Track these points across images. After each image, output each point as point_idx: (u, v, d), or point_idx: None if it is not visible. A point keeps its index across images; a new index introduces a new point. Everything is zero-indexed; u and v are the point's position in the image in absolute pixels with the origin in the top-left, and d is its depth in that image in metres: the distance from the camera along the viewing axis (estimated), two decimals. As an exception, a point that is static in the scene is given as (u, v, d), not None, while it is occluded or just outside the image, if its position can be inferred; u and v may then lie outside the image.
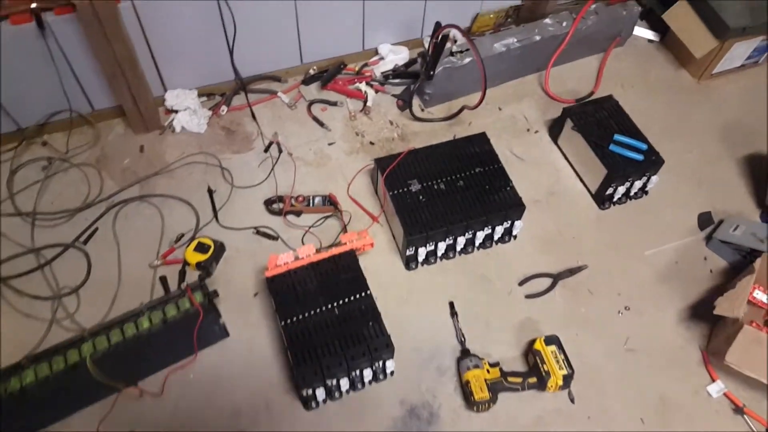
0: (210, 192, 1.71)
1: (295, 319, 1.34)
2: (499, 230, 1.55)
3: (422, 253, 1.52)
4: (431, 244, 1.51)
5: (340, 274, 1.41)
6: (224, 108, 1.89)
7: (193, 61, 1.77)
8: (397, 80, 1.97)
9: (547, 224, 1.68)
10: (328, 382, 1.28)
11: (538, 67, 1.99)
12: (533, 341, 1.40)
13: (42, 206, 1.67)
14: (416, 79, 1.86)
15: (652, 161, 1.61)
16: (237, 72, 1.89)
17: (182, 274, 1.55)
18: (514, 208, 1.52)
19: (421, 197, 1.53)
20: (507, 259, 1.60)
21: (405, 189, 1.55)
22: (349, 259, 1.43)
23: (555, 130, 1.82)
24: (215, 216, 1.67)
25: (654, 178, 1.66)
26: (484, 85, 1.70)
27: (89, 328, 1.33)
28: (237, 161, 1.79)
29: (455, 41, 1.94)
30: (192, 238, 1.61)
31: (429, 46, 1.75)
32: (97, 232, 1.64)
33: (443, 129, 1.88)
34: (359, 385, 1.34)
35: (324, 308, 1.35)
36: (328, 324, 1.33)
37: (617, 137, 1.63)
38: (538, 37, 1.86)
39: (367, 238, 1.48)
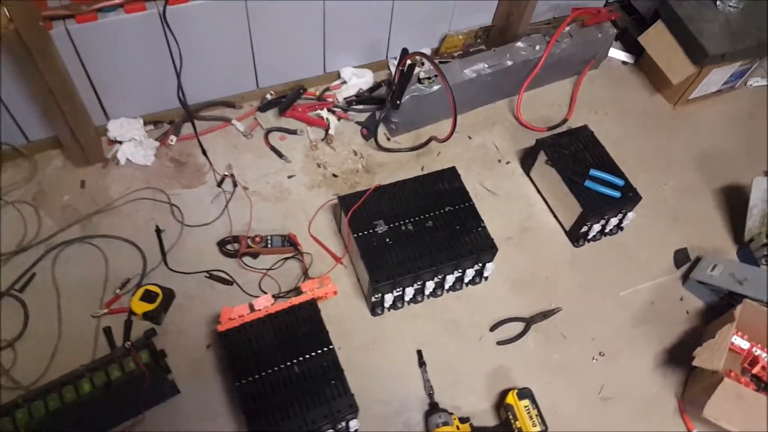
0: (158, 232, 1.71)
1: (250, 378, 1.35)
2: (470, 273, 1.60)
3: (389, 299, 1.54)
4: (398, 289, 1.54)
5: (301, 326, 1.42)
6: (173, 138, 1.89)
7: (137, 88, 1.76)
8: (360, 106, 2.00)
9: (520, 263, 1.73)
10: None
11: (509, 93, 2.04)
12: (505, 393, 1.44)
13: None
14: (381, 104, 1.88)
15: (629, 198, 1.68)
16: (184, 98, 1.86)
17: (128, 325, 1.55)
18: (486, 250, 1.56)
19: (387, 239, 1.56)
20: (478, 302, 1.64)
21: (371, 230, 1.58)
22: (310, 310, 1.45)
23: (528, 161, 1.87)
24: (164, 259, 1.66)
25: (630, 215, 1.72)
26: (454, 119, 1.74)
27: (24, 393, 1.30)
28: (188, 197, 1.79)
29: (422, 63, 1.98)
30: (139, 285, 1.60)
31: (395, 74, 1.78)
32: (34, 278, 1.62)
33: (411, 160, 1.91)
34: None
35: (282, 366, 1.37)
36: (286, 383, 1.34)
37: (593, 172, 1.69)
38: (509, 62, 1.91)
39: (330, 285, 1.50)
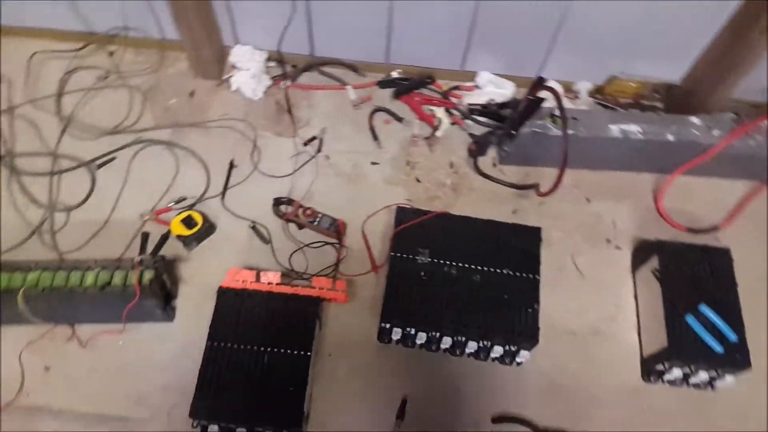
0: (231, 166, 1.75)
1: (222, 344, 1.34)
2: (499, 350, 1.40)
3: (397, 333, 1.42)
4: (410, 329, 1.40)
5: (292, 318, 1.37)
6: (287, 82, 1.89)
7: (270, 21, 1.77)
8: (482, 119, 1.82)
9: (569, 366, 1.48)
10: (222, 425, 1.26)
11: (660, 168, 1.71)
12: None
13: (80, 115, 1.82)
14: (505, 125, 1.69)
15: (734, 359, 1.33)
16: (314, 47, 1.87)
17: (162, 239, 1.62)
18: (524, 337, 1.36)
19: (423, 274, 1.42)
20: (495, 383, 1.45)
21: (411, 256, 1.45)
22: (310, 307, 1.39)
23: (639, 257, 1.56)
24: (223, 193, 1.71)
25: (729, 378, 1.37)
26: (561, 174, 1.51)
27: (38, 262, 1.43)
28: (272, 144, 1.80)
29: (576, 96, 1.75)
30: (189, 207, 1.66)
31: (523, 100, 1.58)
32: (113, 161, 1.76)
33: (507, 197, 1.71)
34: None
35: (255, 347, 1.34)
36: (250, 367, 1.32)
37: (702, 308, 1.36)
38: (671, 137, 1.58)
39: (341, 291, 1.42)
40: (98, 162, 1.76)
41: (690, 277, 1.42)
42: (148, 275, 1.40)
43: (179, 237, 1.59)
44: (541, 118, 1.61)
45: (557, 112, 1.62)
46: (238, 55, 1.86)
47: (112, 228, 1.66)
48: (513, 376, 1.46)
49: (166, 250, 1.61)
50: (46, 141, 1.77)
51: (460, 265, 1.43)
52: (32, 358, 1.46)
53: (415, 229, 1.48)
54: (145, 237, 1.63)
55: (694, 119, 1.60)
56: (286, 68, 1.93)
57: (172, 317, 1.51)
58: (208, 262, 1.60)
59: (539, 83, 1.50)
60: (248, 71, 1.86)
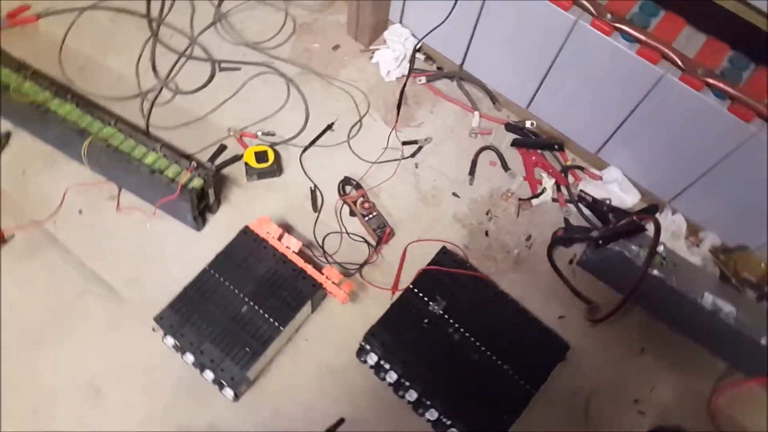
0: (328, 127, 1.83)
1: (218, 275, 1.43)
2: (455, 433, 1.36)
3: (372, 359, 1.43)
4: (385, 364, 1.40)
5: (288, 289, 1.43)
6: (423, 79, 1.93)
7: (436, 17, 1.79)
8: (587, 211, 1.73)
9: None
10: (179, 343, 1.37)
11: (738, 364, 1.53)
12: None
13: (233, 18, 2.00)
14: (599, 230, 1.61)
15: None
16: (465, 60, 1.89)
17: (232, 159, 1.75)
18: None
19: (426, 321, 1.41)
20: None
21: (425, 298, 1.44)
22: (307, 288, 1.43)
23: (656, 435, 1.43)
24: (307, 147, 1.79)
25: None
26: (620, 305, 1.42)
27: (122, 118, 1.61)
28: (376, 128, 1.85)
29: (696, 244, 1.62)
30: (272, 144, 1.77)
31: (627, 217, 1.49)
32: (236, 71, 1.91)
33: (563, 297, 1.63)
34: (202, 373, 1.39)
35: (242, 296, 1.41)
36: (231, 310, 1.39)
37: None
38: (765, 342, 1.41)
39: (343, 292, 1.44)
40: (224, 65, 1.91)
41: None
42: (196, 182, 1.52)
43: (246, 164, 1.70)
44: (640, 243, 1.50)
45: (662, 250, 1.51)
46: (393, 33, 1.92)
47: (201, 126, 1.81)
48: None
49: (229, 169, 1.73)
50: (193, 25, 1.95)
51: (466, 335, 1.40)
52: (75, 197, 1.65)
53: (445, 276, 1.47)
54: (221, 149, 1.77)
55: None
56: (430, 65, 1.96)
57: (200, 228, 1.63)
58: (257, 199, 1.70)
59: (650, 210, 1.41)
60: (394, 52, 1.92)
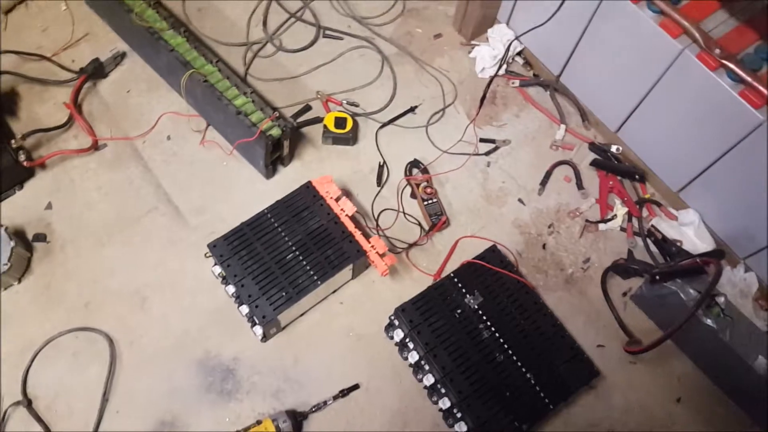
0: (410, 109, 1.87)
1: (273, 220, 1.50)
2: (463, 427, 1.35)
3: (399, 335, 1.45)
4: (410, 342, 1.42)
5: (332, 248, 1.47)
6: (516, 83, 1.92)
7: (542, 24, 1.77)
8: (653, 248, 1.67)
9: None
10: (225, 273, 1.44)
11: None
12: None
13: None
14: (658, 267, 1.55)
15: None
16: (562, 73, 1.87)
17: (313, 119, 1.82)
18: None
19: (459, 312, 1.41)
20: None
21: (464, 290, 1.44)
22: (353, 253, 1.47)
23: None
24: (387, 123, 1.84)
25: None
26: (658, 342, 1.36)
27: (223, 60, 1.72)
28: (457, 120, 1.87)
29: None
30: (354, 114, 1.82)
31: (690, 258, 1.42)
32: (338, 41, 1.99)
33: (606, 325, 1.57)
34: (239, 307, 1.46)
35: (291, 245, 1.47)
36: (278, 254, 1.46)
37: None
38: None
39: (384, 264, 1.46)
40: (328, 32, 1.99)
41: None
42: (274, 131, 1.59)
43: (325, 127, 1.76)
44: (699, 289, 1.42)
45: (722, 301, 1.43)
46: (497, 32, 1.93)
47: (293, 84, 1.90)
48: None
49: (308, 129, 1.80)
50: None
51: (497, 335, 1.39)
52: (167, 123, 1.79)
53: (489, 273, 1.46)
54: (306, 109, 1.84)
55: None
56: (528, 72, 1.95)
57: (270, 176, 1.71)
58: (327, 162, 1.76)
59: (716, 254, 1.34)
60: (493, 50, 1.92)
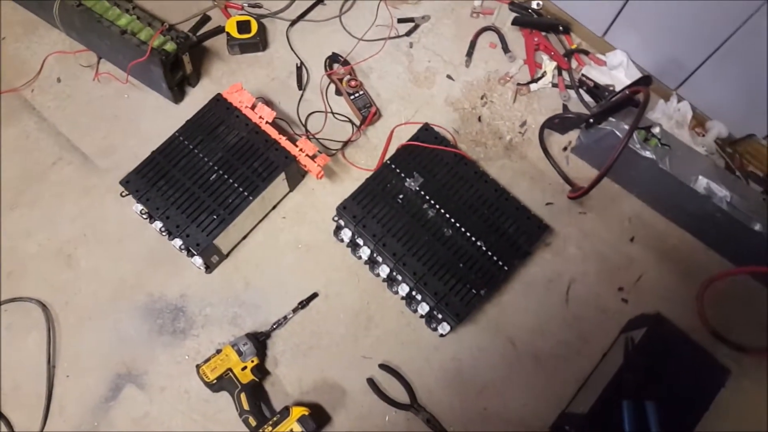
0: (319, 0, 1.67)
1: (186, 142, 1.34)
2: (425, 308, 1.28)
3: (347, 235, 1.34)
4: (358, 238, 1.32)
5: (259, 161, 1.33)
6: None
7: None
8: (587, 97, 1.57)
9: (487, 374, 1.33)
10: (146, 208, 1.29)
11: (731, 255, 1.41)
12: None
13: None
14: (591, 110, 1.46)
15: None
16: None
17: (214, 30, 1.62)
18: (451, 309, 1.23)
19: (401, 197, 1.31)
20: (407, 337, 1.34)
21: (403, 174, 1.33)
22: (281, 160, 1.33)
23: (635, 322, 1.33)
24: (295, 21, 1.66)
25: None
26: (596, 181, 1.28)
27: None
28: (371, 6, 1.71)
29: (702, 134, 1.47)
30: (258, 16, 1.62)
31: (619, 92, 1.33)
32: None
33: (552, 184, 1.50)
34: (171, 241, 1.33)
35: (211, 164, 1.32)
36: (199, 177, 1.31)
37: (648, 406, 1.14)
38: (758, 228, 1.28)
39: (318, 166, 1.34)
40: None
41: (663, 371, 1.18)
42: (169, 46, 1.40)
43: (228, 35, 1.56)
44: (623, 119, 1.35)
45: (656, 131, 1.36)
46: None
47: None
48: (427, 342, 1.34)
49: (212, 42, 1.60)
50: None
51: (441, 211, 1.30)
52: (54, 65, 1.56)
53: (425, 152, 1.35)
54: (204, 20, 1.64)
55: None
56: None
57: (178, 100, 1.52)
58: (238, 74, 1.58)
59: (644, 82, 1.25)
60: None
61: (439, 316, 1.26)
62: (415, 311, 1.30)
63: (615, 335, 1.36)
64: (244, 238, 1.41)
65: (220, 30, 1.60)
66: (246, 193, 1.30)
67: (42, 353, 1.27)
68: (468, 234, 1.27)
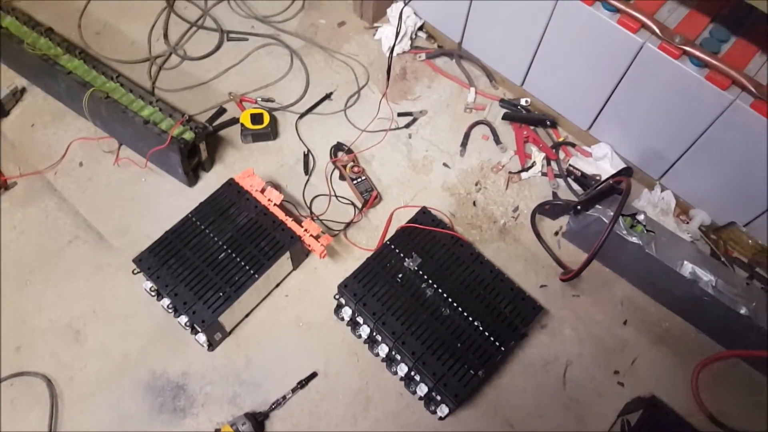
0: (326, 96, 1.76)
1: (198, 223, 1.36)
2: (424, 389, 1.25)
3: (347, 313, 1.33)
4: (358, 316, 1.31)
5: (265, 240, 1.35)
6: (423, 56, 1.85)
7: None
8: (575, 185, 1.62)
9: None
10: (156, 285, 1.30)
11: (721, 339, 1.39)
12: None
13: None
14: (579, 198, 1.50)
15: None
16: (463, 39, 1.80)
17: (230, 121, 1.68)
18: (450, 391, 1.20)
19: (401, 276, 1.31)
20: (405, 420, 1.30)
21: (402, 255, 1.34)
22: (287, 240, 1.35)
23: (630, 405, 1.29)
24: (304, 114, 1.73)
25: None
26: (584, 265, 1.29)
27: (124, 75, 1.56)
28: (373, 99, 1.78)
29: (686, 221, 1.50)
30: (270, 109, 1.70)
31: (603, 181, 1.37)
32: (243, 42, 1.86)
33: (545, 267, 1.52)
34: (177, 318, 1.32)
35: (221, 244, 1.34)
36: (208, 256, 1.32)
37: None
38: (744, 311, 1.28)
39: (321, 246, 1.35)
40: (232, 35, 1.86)
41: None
42: (187, 135, 1.46)
43: (242, 125, 1.63)
44: (608, 207, 1.38)
45: (642, 218, 1.38)
46: (396, 11, 1.85)
47: (204, 90, 1.76)
48: (426, 425, 1.29)
49: (226, 132, 1.67)
50: (207, -3, 1.92)
51: (440, 291, 1.30)
52: (78, 150, 1.62)
53: (423, 234, 1.37)
54: (221, 112, 1.71)
55: (796, 312, 1.26)
56: (432, 44, 1.88)
57: (192, 184, 1.56)
58: (250, 160, 1.64)
59: (625, 172, 1.29)
60: (396, 29, 1.83)
61: (438, 397, 1.23)
62: (414, 392, 1.27)
63: (612, 419, 1.32)
64: (247, 315, 1.40)
65: (235, 121, 1.67)
66: (252, 271, 1.31)
67: (44, 428, 1.23)
68: (465, 314, 1.27)
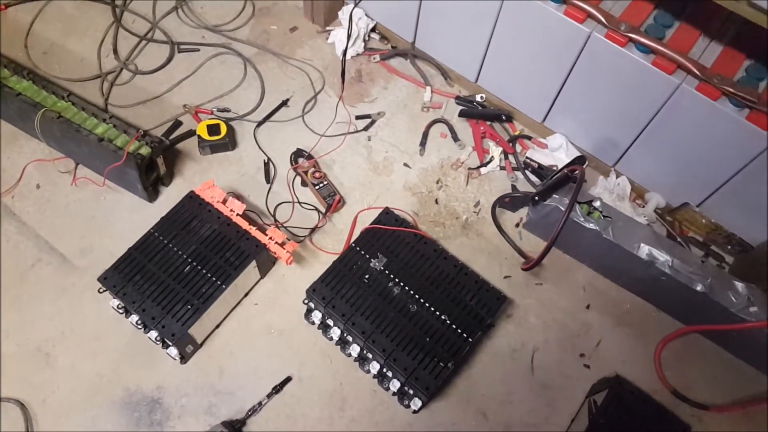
0: (283, 103, 1.82)
1: (161, 238, 1.41)
2: (396, 384, 1.32)
3: (317, 317, 1.40)
4: (328, 319, 1.38)
5: (230, 250, 1.40)
6: (377, 57, 1.92)
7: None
8: (532, 177, 1.71)
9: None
10: (123, 302, 1.34)
11: (680, 315, 1.50)
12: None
13: (195, 3, 1.99)
14: (536, 189, 1.59)
15: None
16: (416, 38, 1.88)
17: (186, 133, 1.73)
18: (422, 384, 1.28)
19: (367, 277, 1.39)
20: (380, 416, 1.37)
21: (368, 256, 1.41)
22: (252, 249, 1.41)
23: (598, 385, 1.39)
24: (262, 122, 1.78)
25: None
26: (544, 252, 1.38)
27: (75, 94, 1.60)
28: (330, 103, 1.84)
29: (642, 205, 1.60)
30: (227, 120, 1.75)
31: (559, 171, 1.47)
32: (194, 52, 1.91)
33: (508, 258, 1.61)
34: (147, 333, 1.36)
35: (185, 257, 1.38)
36: (173, 270, 1.37)
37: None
38: (700, 288, 1.38)
39: (287, 253, 1.42)
40: (183, 47, 1.91)
41: (626, 431, 1.24)
42: (143, 150, 1.50)
43: (199, 137, 1.68)
44: (565, 196, 1.48)
45: (597, 205, 1.49)
46: (347, 13, 1.91)
47: (158, 104, 1.80)
48: (401, 420, 1.37)
49: (184, 145, 1.71)
50: (155, 10, 1.95)
51: (406, 288, 1.38)
52: (34, 172, 1.64)
53: (387, 234, 1.45)
54: (176, 125, 1.75)
55: (739, 285, 1.38)
56: (385, 44, 1.96)
57: (152, 199, 1.61)
58: (210, 172, 1.68)
59: (578, 161, 1.39)
60: (348, 32, 1.90)
61: (411, 391, 1.30)
62: (387, 389, 1.34)
63: (581, 400, 1.41)
64: (218, 326, 1.45)
65: (191, 133, 1.72)
66: (219, 282, 1.36)
67: (16, 455, 1.26)
68: (432, 309, 1.34)
